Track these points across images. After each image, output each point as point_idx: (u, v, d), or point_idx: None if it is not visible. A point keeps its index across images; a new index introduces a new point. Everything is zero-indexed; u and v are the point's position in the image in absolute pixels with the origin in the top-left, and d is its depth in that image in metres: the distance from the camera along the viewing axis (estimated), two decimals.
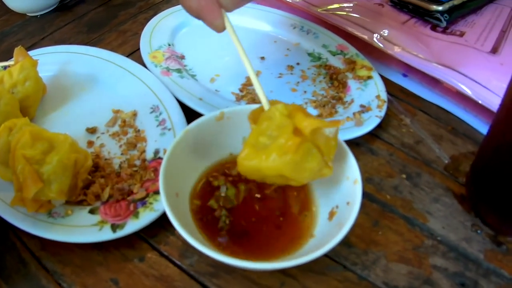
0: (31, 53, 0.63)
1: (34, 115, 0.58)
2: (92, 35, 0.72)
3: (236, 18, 0.65)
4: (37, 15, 0.80)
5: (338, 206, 0.40)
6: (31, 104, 0.58)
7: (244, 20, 0.69)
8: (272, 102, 0.39)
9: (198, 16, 0.40)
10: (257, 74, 0.59)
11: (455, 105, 0.60)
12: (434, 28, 0.68)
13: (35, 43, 0.73)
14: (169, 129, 0.52)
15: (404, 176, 0.51)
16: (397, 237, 0.45)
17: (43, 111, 0.59)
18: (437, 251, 0.44)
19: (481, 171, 0.48)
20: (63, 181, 0.45)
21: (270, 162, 0.35)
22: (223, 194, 0.43)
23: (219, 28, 0.40)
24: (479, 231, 0.46)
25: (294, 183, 0.37)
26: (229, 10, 0.40)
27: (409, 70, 0.63)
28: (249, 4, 0.60)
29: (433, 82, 0.61)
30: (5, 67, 0.64)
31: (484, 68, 0.58)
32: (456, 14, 0.69)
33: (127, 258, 0.44)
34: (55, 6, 0.81)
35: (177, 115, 0.53)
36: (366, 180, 0.50)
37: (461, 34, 0.66)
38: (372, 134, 0.54)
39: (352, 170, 0.39)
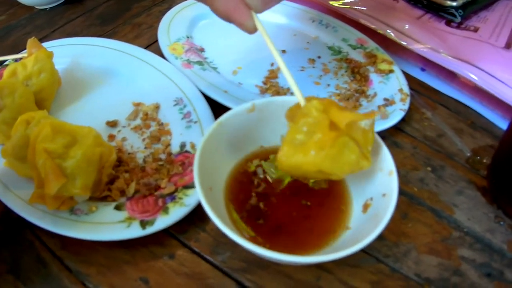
0: (43, 45, 0.60)
1: (49, 109, 0.57)
2: (105, 28, 0.71)
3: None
4: (46, 8, 0.78)
5: (372, 198, 0.40)
6: (47, 97, 0.56)
7: (263, 13, 0.68)
8: (307, 99, 0.38)
9: (228, 19, 0.40)
10: (279, 67, 0.59)
11: (473, 99, 0.60)
12: (448, 23, 0.69)
13: (45, 36, 0.72)
14: (195, 122, 0.51)
15: (429, 168, 0.51)
16: (426, 229, 0.46)
17: (59, 104, 0.58)
18: (464, 243, 0.45)
19: (502, 165, 0.48)
20: (88, 176, 0.43)
21: (309, 158, 0.35)
22: (261, 176, 0.43)
23: (250, 29, 0.40)
24: (502, 223, 0.47)
25: (334, 177, 0.37)
26: (259, 11, 0.40)
27: (427, 64, 0.63)
28: None
29: (450, 76, 0.61)
30: (16, 60, 0.63)
31: (500, 63, 0.59)
32: (469, 10, 0.69)
33: (156, 256, 0.43)
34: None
35: (203, 108, 0.52)
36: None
37: (475, 30, 0.67)
38: (396, 128, 0.54)
39: (386, 162, 0.39)
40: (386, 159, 0.39)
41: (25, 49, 0.60)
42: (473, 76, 0.57)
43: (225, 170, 0.44)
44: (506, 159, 0.47)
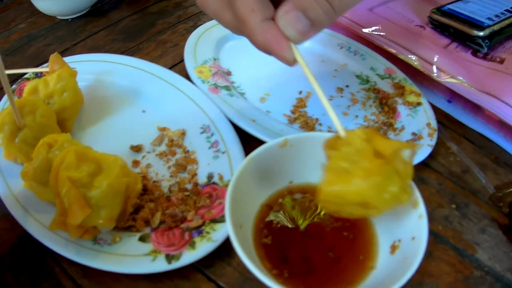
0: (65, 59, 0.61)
1: (71, 129, 0.58)
2: (128, 44, 0.73)
3: None
4: (68, 19, 0.80)
5: (400, 240, 0.41)
6: (69, 116, 0.57)
7: None
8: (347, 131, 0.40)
9: (267, 51, 0.41)
10: (308, 95, 0.61)
11: (497, 134, 0.61)
12: (475, 53, 0.70)
13: (66, 48, 0.73)
14: (223, 152, 0.52)
15: (453, 206, 0.53)
16: (449, 268, 0.47)
17: (81, 124, 0.58)
18: (485, 282, 0.46)
19: None
20: (113, 207, 0.43)
21: (353, 187, 0.35)
22: (285, 216, 0.44)
23: (290, 61, 0.40)
24: None
25: (373, 212, 0.38)
26: (298, 42, 0.40)
27: (453, 96, 0.64)
28: None
29: (476, 109, 0.62)
30: (37, 74, 0.63)
31: None
32: (496, 40, 0.70)
33: None
34: (86, 11, 0.82)
35: (232, 138, 0.53)
36: None
37: (501, 61, 0.68)
38: (422, 163, 0.56)
39: (418, 205, 0.41)
40: (418, 201, 0.40)
41: (46, 61, 0.61)
42: (498, 110, 0.59)
43: (254, 206, 0.44)
44: None
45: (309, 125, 0.57)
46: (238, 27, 0.41)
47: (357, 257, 0.42)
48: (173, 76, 0.61)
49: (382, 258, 0.42)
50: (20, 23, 0.82)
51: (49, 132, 0.50)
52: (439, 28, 0.73)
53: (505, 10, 0.74)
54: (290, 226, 0.44)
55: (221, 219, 0.46)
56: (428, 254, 0.48)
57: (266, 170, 0.45)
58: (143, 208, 0.47)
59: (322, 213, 0.44)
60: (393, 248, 0.41)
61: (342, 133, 0.39)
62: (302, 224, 0.44)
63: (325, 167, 0.38)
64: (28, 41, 0.76)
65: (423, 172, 0.56)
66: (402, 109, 0.61)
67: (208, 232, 0.45)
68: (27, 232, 0.45)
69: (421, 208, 0.40)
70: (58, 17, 0.81)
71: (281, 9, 0.38)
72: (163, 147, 0.55)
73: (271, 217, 0.44)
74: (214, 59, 0.65)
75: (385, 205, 0.37)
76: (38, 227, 0.45)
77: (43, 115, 0.51)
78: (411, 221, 0.40)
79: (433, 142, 0.56)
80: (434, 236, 0.50)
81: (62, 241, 0.44)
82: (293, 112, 0.59)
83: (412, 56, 0.66)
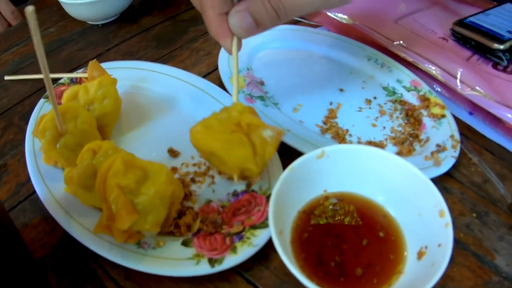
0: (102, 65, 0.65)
1: (110, 135, 0.62)
2: (162, 51, 0.78)
3: (311, 46, 0.73)
4: (98, 24, 0.85)
5: (427, 246, 0.46)
6: (109, 123, 0.61)
7: (319, 47, 0.77)
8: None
9: (216, 39, 0.52)
10: (338, 106, 0.67)
11: None
12: (495, 66, 0.75)
13: (99, 54, 0.78)
14: None
15: (474, 215, 0.58)
16: (469, 273, 0.52)
17: (119, 130, 0.63)
18: (503, 287, 0.51)
19: None
20: (159, 212, 0.47)
21: (206, 139, 0.50)
22: (321, 222, 0.50)
23: (228, 51, 0.53)
24: None
25: (226, 168, 0.53)
26: (242, 37, 0.52)
27: (475, 108, 0.70)
28: (323, 32, 0.69)
29: (496, 121, 0.68)
30: (72, 79, 0.68)
31: None
32: None
33: None
34: (117, 16, 0.87)
35: None
36: None
37: None
38: (446, 173, 0.61)
39: (444, 214, 0.46)
40: (445, 211, 0.46)
41: (79, 66, 0.66)
42: None
43: (292, 213, 0.50)
44: None
45: (340, 135, 0.63)
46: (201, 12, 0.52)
47: (388, 259, 0.48)
48: (209, 85, 0.67)
49: (410, 263, 0.47)
50: (51, 26, 0.88)
51: (90, 138, 0.55)
52: (461, 40, 0.79)
53: None
54: (325, 230, 0.49)
55: (260, 225, 0.51)
56: (451, 260, 0.54)
57: (304, 179, 0.50)
58: (185, 215, 0.52)
59: (354, 220, 0.51)
60: (420, 254, 0.47)
61: (234, 99, 0.54)
62: (337, 229, 0.50)
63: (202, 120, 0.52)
64: (60, 45, 0.81)
65: (446, 182, 0.61)
66: (427, 121, 0.66)
67: (248, 238, 0.50)
68: (67, 234, 0.50)
69: (447, 217, 0.46)
70: (88, 22, 0.86)
71: (234, 8, 0.49)
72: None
73: (309, 222, 0.50)
74: (248, 69, 0.71)
75: (232, 164, 0.51)
76: (82, 230, 0.50)
77: (85, 122, 0.55)
78: (438, 229, 0.46)
79: (456, 153, 0.61)
80: (456, 243, 0.54)
81: (106, 245, 0.48)
82: (324, 123, 0.65)
83: (435, 68, 0.72)
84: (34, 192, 0.56)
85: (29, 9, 0.40)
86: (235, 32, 0.51)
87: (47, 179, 0.55)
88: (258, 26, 0.49)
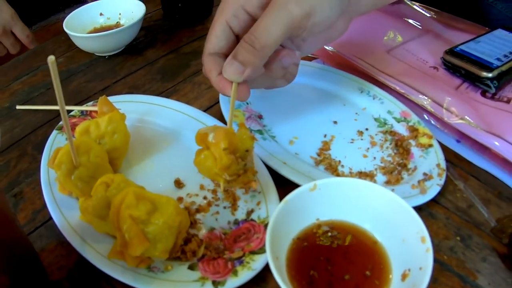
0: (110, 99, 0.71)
1: (120, 167, 0.69)
2: (166, 84, 0.85)
3: (307, 79, 0.81)
4: (105, 56, 0.92)
5: (410, 269, 0.53)
6: (118, 156, 0.68)
7: (314, 81, 0.85)
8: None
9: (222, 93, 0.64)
10: (332, 139, 0.74)
11: (501, 171, 0.73)
12: (483, 93, 0.81)
13: (107, 86, 0.85)
14: (259, 193, 0.65)
15: (458, 238, 0.64)
16: None
17: (128, 162, 0.70)
18: None
19: None
20: (167, 241, 0.54)
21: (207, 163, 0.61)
22: (314, 248, 0.57)
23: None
24: None
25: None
26: (239, 80, 0.59)
27: (462, 136, 0.76)
28: (318, 65, 0.77)
29: (482, 148, 0.74)
30: (83, 112, 0.75)
31: None
32: (504, 80, 0.82)
33: None
34: (122, 48, 0.94)
35: (266, 179, 0.65)
36: None
37: (508, 101, 0.79)
38: (431, 199, 0.67)
39: (425, 239, 0.53)
40: (426, 237, 0.53)
41: (88, 97, 0.73)
42: (501, 149, 0.70)
43: (287, 240, 0.57)
44: None
45: (332, 166, 0.70)
46: None
47: (374, 282, 0.55)
48: (210, 120, 0.74)
49: (395, 284, 0.54)
50: (59, 57, 0.95)
51: (102, 171, 0.62)
52: (452, 69, 0.85)
53: None
54: (317, 255, 0.56)
55: (258, 251, 0.58)
56: (434, 280, 0.59)
57: (298, 209, 0.57)
58: (190, 241, 0.59)
59: (346, 243, 0.58)
60: (404, 276, 0.53)
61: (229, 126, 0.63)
62: (328, 253, 0.56)
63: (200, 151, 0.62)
64: (69, 76, 0.88)
65: (432, 208, 0.67)
66: (415, 151, 0.73)
67: (248, 262, 0.57)
68: (82, 258, 0.56)
69: (428, 243, 0.52)
70: (96, 53, 0.94)
71: (225, 62, 0.59)
72: (204, 184, 0.67)
73: (303, 248, 0.57)
74: (247, 103, 0.78)
75: (208, 174, 0.62)
76: (96, 255, 0.56)
77: (97, 155, 0.62)
78: (420, 254, 0.52)
79: (442, 181, 0.67)
80: (440, 265, 0.61)
81: (119, 268, 0.55)
82: (318, 155, 0.72)
83: (425, 98, 0.79)
84: (50, 219, 0.62)
85: (51, 59, 0.46)
86: (231, 79, 0.59)
87: (63, 207, 0.62)
88: (245, 64, 0.58)
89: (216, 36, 0.62)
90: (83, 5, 0.99)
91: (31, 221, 0.65)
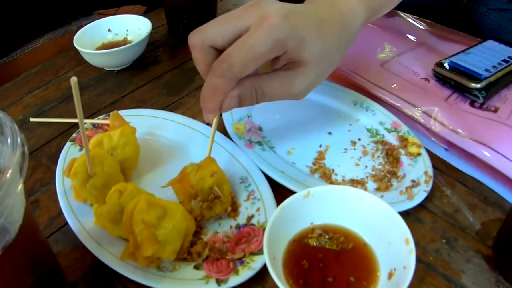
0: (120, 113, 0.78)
1: (131, 176, 0.75)
2: (172, 98, 0.91)
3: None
4: (114, 71, 0.99)
5: (395, 269, 0.59)
6: (129, 166, 0.74)
7: (312, 94, 0.86)
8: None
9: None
10: (326, 149, 0.81)
11: (488, 177, 0.78)
12: (472, 103, 0.87)
13: (116, 100, 0.92)
14: (259, 200, 0.70)
15: (444, 241, 0.68)
16: None
17: (138, 172, 0.76)
18: None
19: (505, 237, 0.64)
20: (175, 243, 0.59)
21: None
22: (308, 250, 0.63)
23: (208, 120, 0.68)
24: (501, 286, 0.63)
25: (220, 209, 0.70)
26: (221, 108, 0.64)
27: (450, 145, 0.81)
28: None
29: (470, 156, 0.79)
30: (94, 125, 0.82)
31: None
32: (491, 91, 0.88)
33: None
34: (129, 64, 1.01)
35: (265, 187, 0.72)
36: (414, 244, 0.65)
37: (495, 110, 0.85)
38: (419, 204, 0.73)
39: (410, 242, 0.58)
40: (410, 240, 0.58)
41: (98, 111, 0.79)
42: (488, 158, 0.76)
43: (283, 242, 0.63)
44: (509, 232, 0.64)
45: (326, 175, 0.76)
46: None
47: (362, 284, 0.61)
48: (216, 134, 0.77)
49: (382, 283, 0.60)
50: (69, 71, 1.02)
51: (114, 180, 0.67)
52: (442, 80, 0.91)
53: (502, 60, 0.92)
54: (311, 256, 0.62)
55: (258, 252, 0.63)
56: (421, 279, 0.64)
57: (293, 214, 0.63)
58: (196, 243, 0.64)
59: (335, 246, 0.64)
60: (390, 275, 0.59)
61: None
62: (321, 255, 0.63)
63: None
64: (79, 90, 0.95)
65: (419, 213, 0.73)
66: (404, 159, 0.79)
67: (248, 262, 0.62)
68: (97, 260, 0.61)
69: (411, 245, 0.58)
70: (105, 68, 1.01)
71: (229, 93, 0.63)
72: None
73: (298, 249, 0.63)
74: (248, 116, 0.85)
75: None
76: (110, 257, 0.61)
77: (110, 166, 0.67)
78: (404, 255, 0.58)
79: (428, 188, 0.73)
80: (425, 265, 0.65)
81: (131, 269, 0.60)
82: (314, 164, 0.79)
83: (416, 109, 0.85)
84: (65, 224, 0.67)
85: (74, 80, 0.53)
86: (225, 110, 0.65)
87: (78, 214, 0.67)
88: (240, 104, 0.65)
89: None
90: (89, 17, 1.06)
91: (47, 227, 0.71)
